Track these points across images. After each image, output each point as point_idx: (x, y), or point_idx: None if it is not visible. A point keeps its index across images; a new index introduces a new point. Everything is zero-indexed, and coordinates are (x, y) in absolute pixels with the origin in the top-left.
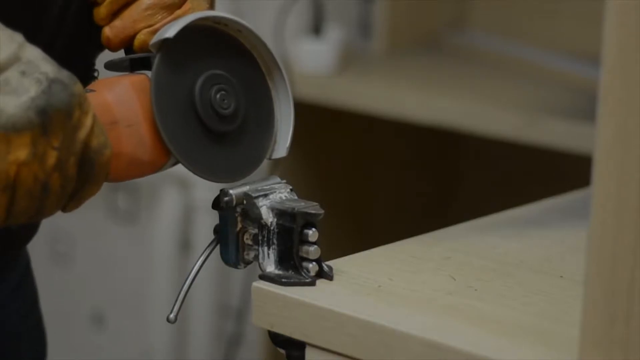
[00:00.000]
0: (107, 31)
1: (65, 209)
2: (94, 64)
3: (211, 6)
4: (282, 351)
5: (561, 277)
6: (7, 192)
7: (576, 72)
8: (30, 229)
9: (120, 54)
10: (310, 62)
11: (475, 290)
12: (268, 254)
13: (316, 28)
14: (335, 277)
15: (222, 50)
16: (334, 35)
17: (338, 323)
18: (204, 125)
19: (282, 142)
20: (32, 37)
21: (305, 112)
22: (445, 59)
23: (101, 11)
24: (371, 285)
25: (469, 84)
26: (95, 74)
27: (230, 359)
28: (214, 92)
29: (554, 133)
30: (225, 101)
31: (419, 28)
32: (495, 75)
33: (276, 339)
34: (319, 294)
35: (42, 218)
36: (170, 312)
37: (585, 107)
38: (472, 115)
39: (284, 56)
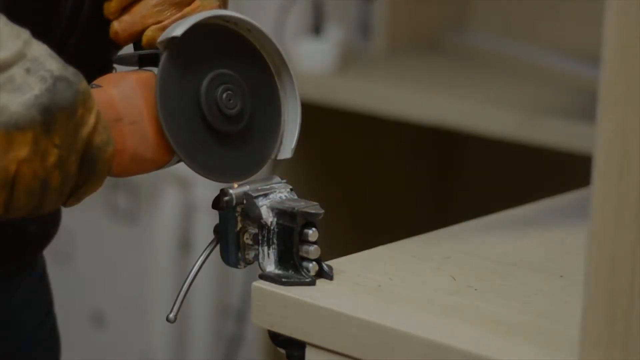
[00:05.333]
0: (115, 25)
1: (65, 204)
2: (112, 61)
3: (223, 4)
4: (282, 351)
5: (561, 277)
6: (6, 188)
7: (576, 72)
8: (46, 235)
9: (130, 48)
10: (310, 62)
11: (475, 290)
12: (268, 253)
13: (316, 28)
14: (335, 277)
15: (230, 49)
16: (334, 35)
17: (338, 323)
18: (209, 124)
19: (288, 143)
20: (44, 34)
21: (305, 112)
22: (445, 59)
23: (111, 5)
24: (371, 285)
25: (469, 84)
26: (114, 72)
27: (230, 359)
28: (220, 92)
29: (554, 133)
30: (231, 101)
31: (419, 28)
32: (495, 75)
33: (276, 338)
34: (319, 294)
35: (42, 213)
36: (170, 312)
37: (585, 107)
38: (472, 115)
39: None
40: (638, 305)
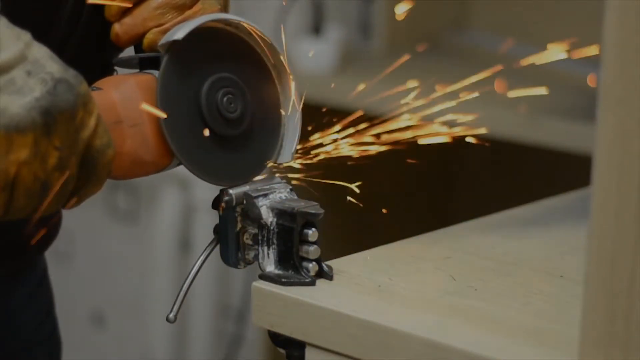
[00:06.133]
0: (116, 28)
1: (65, 206)
2: (112, 64)
3: (224, 7)
4: (282, 351)
5: (561, 277)
6: (6, 190)
7: (576, 72)
8: (46, 236)
9: (130, 51)
10: (310, 62)
11: (475, 290)
12: (268, 253)
13: (316, 28)
14: (335, 277)
15: (231, 53)
16: (334, 35)
17: (338, 323)
18: (209, 128)
19: (288, 147)
20: (45, 36)
21: (305, 112)
22: (445, 59)
23: (112, 8)
24: (371, 285)
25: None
26: (115, 74)
27: (230, 359)
28: (220, 95)
29: (554, 133)
30: (232, 105)
31: (418, 28)
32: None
33: (276, 338)
34: (319, 294)
35: (42, 215)
36: (170, 312)
37: (585, 107)
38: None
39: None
40: (638, 305)
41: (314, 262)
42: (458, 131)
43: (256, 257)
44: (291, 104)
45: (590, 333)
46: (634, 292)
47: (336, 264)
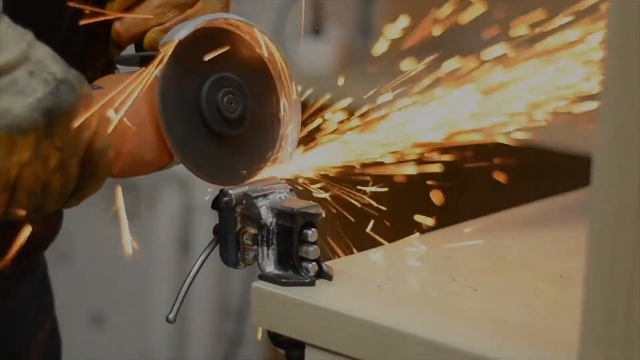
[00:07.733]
0: (117, 26)
1: (66, 205)
2: (114, 62)
3: (225, 6)
4: (282, 351)
5: (561, 277)
6: (7, 191)
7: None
8: (47, 236)
9: (131, 49)
10: (310, 62)
11: (475, 290)
12: (267, 254)
13: (316, 28)
14: (335, 277)
15: (232, 52)
16: (334, 35)
17: (338, 323)
18: (209, 128)
19: (288, 147)
20: (47, 35)
21: (305, 111)
22: (445, 58)
23: (114, 6)
24: (371, 285)
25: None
26: (116, 72)
27: (230, 359)
28: (221, 95)
29: (554, 133)
30: (232, 105)
31: (419, 28)
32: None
33: (276, 339)
34: (318, 294)
35: (42, 214)
36: (170, 312)
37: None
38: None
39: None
40: (638, 305)
41: (313, 263)
42: (458, 131)
43: (256, 257)
44: (291, 104)
45: (590, 333)
46: (634, 292)
47: (336, 264)
